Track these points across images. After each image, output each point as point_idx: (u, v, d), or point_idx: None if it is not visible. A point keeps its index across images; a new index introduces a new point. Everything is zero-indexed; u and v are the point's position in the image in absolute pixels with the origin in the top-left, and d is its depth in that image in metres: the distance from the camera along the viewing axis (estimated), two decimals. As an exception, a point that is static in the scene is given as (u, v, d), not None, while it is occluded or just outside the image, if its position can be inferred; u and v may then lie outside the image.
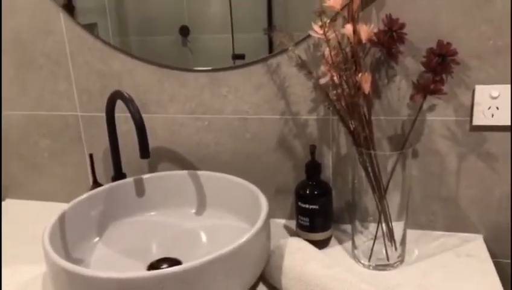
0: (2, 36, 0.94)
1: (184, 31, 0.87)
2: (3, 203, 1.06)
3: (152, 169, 0.95)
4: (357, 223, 0.77)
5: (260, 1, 0.82)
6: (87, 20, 0.90)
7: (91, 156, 0.90)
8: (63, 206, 0.74)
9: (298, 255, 0.67)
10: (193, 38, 0.88)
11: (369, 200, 0.75)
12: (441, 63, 0.70)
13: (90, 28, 0.90)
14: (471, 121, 0.76)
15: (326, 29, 0.68)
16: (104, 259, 0.75)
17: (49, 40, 0.92)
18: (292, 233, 0.86)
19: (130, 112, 0.74)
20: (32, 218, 0.98)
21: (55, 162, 1.01)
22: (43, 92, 0.96)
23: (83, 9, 0.90)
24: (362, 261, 0.76)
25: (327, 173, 0.85)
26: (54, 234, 0.69)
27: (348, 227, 0.86)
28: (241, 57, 0.86)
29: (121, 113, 0.90)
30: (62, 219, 0.72)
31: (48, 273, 0.65)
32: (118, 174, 0.88)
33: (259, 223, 0.65)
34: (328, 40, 0.69)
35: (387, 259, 0.74)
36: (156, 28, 0.89)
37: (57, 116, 0.97)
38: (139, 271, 0.68)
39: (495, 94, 0.73)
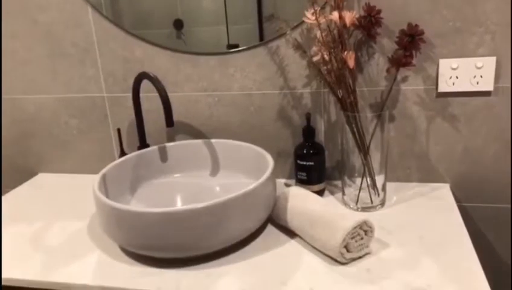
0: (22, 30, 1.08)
1: (178, 24, 0.99)
2: (36, 176, 1.21)
3: (170, 140, 1.10)
4: (346, 178, 0.94)
5: None
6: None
7: (119, 130, 1.05)
8: (91, 177, 0.87)
9: (299, 197, 0.83)
10: (187, 31, 0.98)
11: (355, 158, 0.91)
12: (410, 42, 0.86)
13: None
14: (436, 88, 0.93)
15: (318, 16, 0.84)
16: (139, 211, 0.90)
17: (78, 31, 1.06)
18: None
19: (157, 88, 0.89)
20: (65, 188, 1.13)
21: (83, 139, 1.16)
22: (72, 76, 1.11)
23: None
24: (351, 205, 0.92)
25: (320, 137, 1.02)
26: (100, 188, 0.84)
27: (338, 183, 1.03)
28: (235, 46, 0.99)
29: (142, 94, 1.05)
30: (104, 178, 0.87)
31: (99, 218, 0.80)
32: (143, 143, 1.04)
33: (269, 169, 0.81)
34: (319, 25, 0.85)
35: (371, 202, 0.91)
36: (150, 22, 0.98)
37: (85, 97, 1.12)
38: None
39: (455, 66, 0.90)
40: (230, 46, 0.99)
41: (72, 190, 1.10)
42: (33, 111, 1.16)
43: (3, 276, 0.77)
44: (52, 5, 1.05)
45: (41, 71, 1.12)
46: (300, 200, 0.82)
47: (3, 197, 1.09)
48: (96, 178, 0.84)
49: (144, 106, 1.08)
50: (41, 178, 1.19)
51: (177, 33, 0.99)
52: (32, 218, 0.97)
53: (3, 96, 1.16)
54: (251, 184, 0.77)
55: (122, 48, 1.05)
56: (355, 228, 0.73)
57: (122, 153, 1.06)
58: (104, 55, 1.07)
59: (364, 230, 0.75)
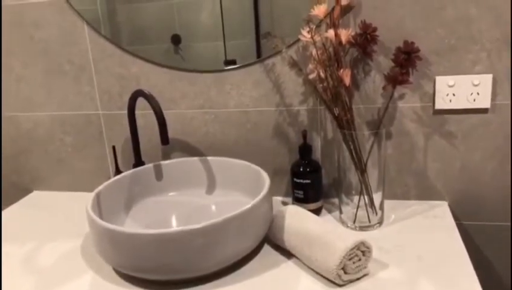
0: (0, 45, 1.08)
1: (176, 40, 0.99)
2: (31, 194, 1.20)
3: (166, 158, 1.09)
4: (343, 196, 0.92)
5: (247, 10, 0.93)
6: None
7: (114, 147, 1.05)
8: (86, 195, 0.87)
9: (296, 216, 0.82)
10: (184, 46, 0.98)
11: (352, 176, 0.90)
12: (406, 59, 0.86)
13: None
14: (433, 106, 0.93)
15: (313, 34, 0.84)
16: (133, 230, 0.89)
17: (74, 48, 1.06)
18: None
19: (152, 106, 0.89)
20: (60, 206, 1.11)
21: (78, 156, 1.15)
22: (68, 94, 1.10)
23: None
24: (348, 224, 0.91)
25: (317, 155, 1.01)
26: (94, 208, 0.82)
27: (335, 200, 1.02)
28: (233, 62, 0.99)
29: (137, 111, 1.04)
30: (98, 197, 0.86)
31: (92, 239, 0.78)
32: (139, 161, 1.03)
33: (265, 189, 0.80)
34: (314, 43, 0.84)
35: (369, 221, 0.90)
36: (148, 37, 0.98)
37: (80, 115, 1.11)
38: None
39: (451, 83, 0.90)
40: (228, 62, 0.99)
41: (66, 208, 1.09)
42: (28, 128, 1.15)
43: (-7, 299, 0.76)
44: (49, 22, 1.05)
45: (36, 88, 1.11)
46: (297, 220, 0.81)
47: (-4, 216, 1.08)
48: (89, 198, 0.83)
49: (140, 123, 1.07)
50: (36, 196, 1.18)
51: (175, 48, 0.99)
52: (25, 238, 0.96)
53: (-2, 113, 1.16)
54: (248, 203, 0.76)
55: (118, 65, 1.05)
56: (352, 249, 0.72)
57: (117, 171, 1.05)
58: (100, 72, 1.06)
59: (362, 251, 0.74)
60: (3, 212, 1.10)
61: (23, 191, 1.21)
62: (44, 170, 1.18)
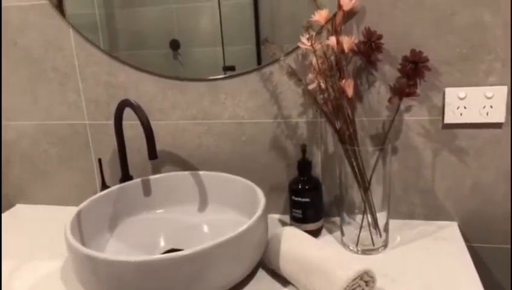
0: (1, 48, 1.02)
1: (174, 45, 0.93)
2: (13, 208, 1.13)
3: (156, 172, 1.03)
4: (345, 215, 0.86)
5: (247, 15, 0.88)
6: (79, 36, 0.96)
7: (100, 160, 0.98)
8: (72, 210, 0.81)
9: (293, 240, 0.75)
10: (183, 52, 0.93)
11: (355, 194, 0.83)
12: (414, 69, 0.80)
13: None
14: (443, 119, 0.86)
15: (313, 41, 0.77)
16: (117, 252, 0.82)
17: (59, 54, 1.00)
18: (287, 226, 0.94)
19: (139, 118, 0.82)
20: (43, 221, 1.05)
21: (64, 169, 1.08)
22: (53, 103, 1.04)
23: (75, 26, 0.96)
24: (350, 247, 0.84)
25: (317, 170, 0.94)
26: (73, 229, 0.76)
27: (337, 219, 0.95)
28: (232, 68, 0.93)
29: (126, 121, 0.97)
30: (79, 216, 0.80)
31: (71, 262, 0.72)
32: (126, 176, 0.96)
33: (259, 211, 0.73)
34: (314, 51, 0.78)
35: (373, 244, 0.83)
36: (146, 42, 0.94)
37: (66, 125, 1.05)
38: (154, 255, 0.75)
39: (462, 95, 0.83)
40: (226, 68, 0.93)
41: (49, 224, 1.02)
42: (11, 138, 1.09)
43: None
44: (32, 27, 0.99)
45: (20, 96, 1.05)
46: (295, 244, 0.74)
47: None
48: (69, 219, 0.76)
49: (128, 134, 1.00)
50: (19, 210, 1.11)
51: (174, 54, 0.94)
52: (4, 256, 0.89)
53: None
54: (242, 222, 0.70)
55: (105, 73, 0.98)
56: (355, 279, 0.65)
57: (104, 186, 0.98)
58: (86, 80, 1.00)
59: (365, 281, 0.67)
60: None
61: (5, 205, 1.14)
62: (28, 182, 1.12)
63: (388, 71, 0.86)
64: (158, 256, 0.65)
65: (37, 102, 1.04)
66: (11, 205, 1.14)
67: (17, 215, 1.09)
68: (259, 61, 0.91)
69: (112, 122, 1.01)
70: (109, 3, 0.94)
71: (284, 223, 0.95)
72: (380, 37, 0.81)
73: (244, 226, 0.69)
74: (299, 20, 0.85)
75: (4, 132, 1.09)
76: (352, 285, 0.65)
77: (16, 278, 0.81)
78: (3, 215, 1.09)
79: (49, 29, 0.98)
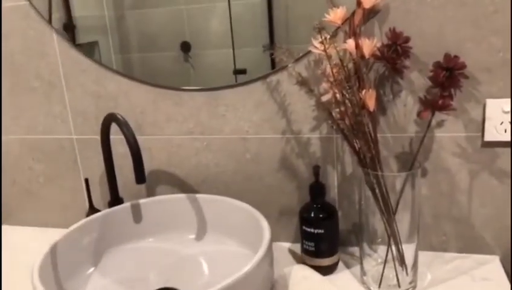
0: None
1: (185, 47, 0.85)
2: (-2, 230, 1.03)
3: (150, 192, 0.91)
4: (365, 246, 0.73)
5: (261, 16, 0.80)
6: (88, 38, 0.88)
7: (87, 180, 0.87)
8: (58, 232, 0.71)
9: (303, 285, 0.63)
10: (194, 54, 0.85)
11: (377, 222, 0.71)
12: (448, 77, 0.67)
13: (91, 47, 0.88)
14: (482, 136, 0.73)
15: (327, 45, 0.65)
16: (100, 291, 0.71)
17: (43, 62, 0.89)
18: (297, 258, 0.81)
19: (125, 136, 0.71)
20: (28, 245, 0.95)
21: (51, 187, 0.98)
22: (37, 115, 0.93)
23: (83, 28, 0.88)
24: (372, 288, 0.72)
25: (332, 194, 0.82)
26: (46, 267, 0.65)
27: (355, 250, 0.82)
28: (243, 72, 0.83)
29: (117, 136, 0.86)
30: (54, 250, 0.69)
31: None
32: (115, 199, 0.85)
33: (261, 251, 0.61)
34: (329, 57, 0.65)
35: (399, 285, 0.70)
36: (157, 44, 0.87)
37: (51, 139, 0.94)
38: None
39: (507, 108, 0.70)
40: (237, 71, 0.83)
41: (32, 250, 0.92)
42: (-6, 154, 0.99)
43: None
44: (14, 30, 0.89)
45: (2, 107, 0.95)
46: (305, 290, 0.62)
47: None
48: (39, 257, 0.65)
49: (118, 150, 0.89)
50: (3, 232, 1.01)
51: (185, 56, 0.86)
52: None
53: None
54: (243, 255, 0.58)
55: (93, 82, 0.88)
56: None
57: (92, 209, 0.87)
58: (72, 90, 0.89)
59: None
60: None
61: (-10, 226, 1.05)
62: (13, 202, 1.01)
63: (416, 79, 0.72)
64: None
65: (20, 114, 0.94)
66: (-4, 226, 1.04)
67: (2, 238, 0.99)
68: (273, 65, 0.81)
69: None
70: (119, 5, 0.87)
71: (294, 255, 0.83)
72: (407, 39, 0.68)
73: (244, 270, 0.58)
74: (316, 20, 0.74)
75: (-13, 146, 0.99)
76: None
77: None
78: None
79: (31, 33, 0.88)
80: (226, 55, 0.84)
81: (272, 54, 0.78)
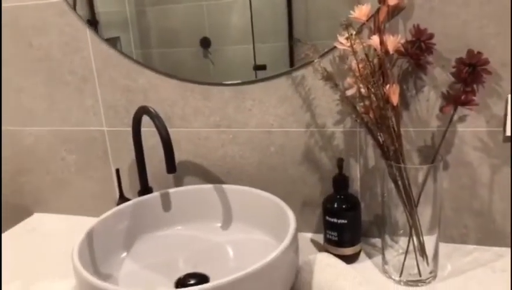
0: None
1: (205, 43, 0.87)
2: (31, 217, 1.08)
3: (178, 182, 0.95)
4: (387, 238, 0.75)
5: (281, 11, 0.81)
6: (110, 34, 0.91)
7: (117, 171, 0.91)
8: (89, 220, 0.74)
9: (328, 271, 0.66)
10: (214, 50, 0.87)
11: (399, 214, 0.73)
12: (471, 73, 0.68)
13: (113, 42, 0.91)
14: (504, 131, 0.74)
15: (353, 41, 0.67)
16: (132, 274, 0.75)
17: (77, 57, 0.93)
18: (320, 247, 0.84)
19: (157, 127, 0.74)
20: (60, 232, 0.99)
21: (82, 177, 1.02)
22: (70, 108, 0.97)
23: (106, 24, 0.91)
24: (393, 277, 0.74)
25: (355, 186, 0.84)
26: (83, 250, 0.69)
27: (376, 241, 0.84)
28: (263, 67, 0.85)
29: (147, 128, 0.90)
30: (90, 235, 0.73)
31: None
32: (145, 188, 0.88)
33: (288, 239, 0.64)
34: (355, 52, 0.68)
35: (420, 275, 0.72)
36: (177, 40, 0.89)
37: (83, 131, 0.98)
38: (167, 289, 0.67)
39: (529, 104, 0.71)
40: (257, 67, 0.85)
41: (66, 236, 0.97)
42: (28, 144, 1.03)
43: None
44: (50, 26, 0.93)
45: (37, 100, 0.99)
46: (329, 276, 0.65)
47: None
48: (77, 241, 0.69)
49: (148, 142, 0.93)
50: (36, 219, 1.06)
51: (204, 52, 0.88)
52: (13, 273, 0.83)
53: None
54: (268, 243, 0.61)
55: (124, 77, 0.91)
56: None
57: (122, 198, 0.91)
58: (104, 84, 0.93)
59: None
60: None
61: (23, 213, 1.09)
62: (46, 190, 1.06)
63: (439, 75, 0.74)
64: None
65: (54, 107, 0.98)
66: (29, 213, 1.09)
67: (34, 225, 1.03)
68: (291, 60, 0.83)
69: (131, 129, 0.94)
70: (140, 1, 0.89)
71: (316, 245, 0.86)
72: (431, 36, 0.70)
73: (271, 256, 0.60)
74: (335, 16, 0.76)
75: (21, 137, 1.03)
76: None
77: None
78: (18, 226, 1.04)
79: (66, 29, 0.92)
80: (246, 51, 0.85)
81: (291, 47, 0.80)
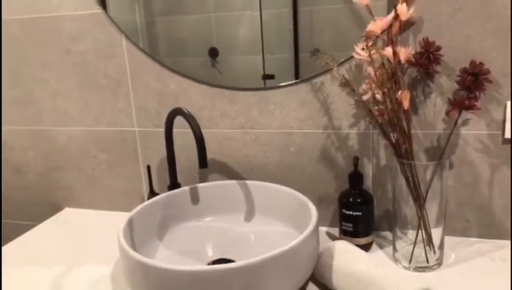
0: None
1: (213, 53, 0.94)
2: (62, 211, 1.15)
3: (203, 179, 1.03)
4: (397, 230, 0.83)
5: (286, 24, 0.88)
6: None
7: (148, 167, 0.99)
8: (117, 215, 0.81)
9: (347, 255, 0.73)
10: (221, 60, 0.94)
11: (408, 209, 0.81)
12: (474, 82, 0.77)
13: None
14: (503, 134, 0.82)
15: (371, 51, 0.76)
16: (166, 259, 0.83)
17: (111, 62, 1.01)
18: (335, 239, 0.92)
19: (191, 126, 0.82)
20: (90, 226, 1.07)
21: (112, 174, 1.10)
22: (103, 109, 1.06)
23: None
24: (403, 264, 0.82)
25: (367, 183, 0.92)
26: (125, 235, 0.76)
27: (387, 234, 0.92)
28: (271, 77, 0.93)
29: (175, 129, 0.98)
30: (130, 223, 0.80)
31: (124, 269, 0.72)
32: (174, 183, 0.96)
33: (312, 225, 0.72)
34: (372, 61, 0.76)
35: (427, 261, 0.80)
36: (185, 50, 0.95)
37: (115, 131, 1.06)
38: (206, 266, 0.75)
39: (525, 109, 0.80)
40: (266, 76, 0.93)
41: (97, 229, 1.04)
42: (62, 143, 1.11)
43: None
44: (86, 34, 1.01)
45: (71, 103, 1.08)
46: (348, 259, 0.73)
47: (26, 234, 1.04)
48: (121, 225, 0.77)
49: (177, 142, 1.01)
50: (67, 214, 1.14)
51: (212, 61, 0.95)
52: (53, 260, 0.91)
53: (33, 127, 1.12)
54: (290, 234, 0.68)
55: (156, 81, 1.00)
56: (414, 298, 0.63)
57: (152, 193, 0.99)
58: (137, 87, 1.01)
59: (424, 301, 0.64)
60: (31, 231, 1.05)
61: (54, 208, 1.17)
62: (77, 187, 1.14)
63: (445, 83, 0.83)
64: (210, 267, 0.64)
65: (88, 108, 1.07)
66: (59, 208, 1.17)
67: (65, 219, 1.11)
68: (296, 70, 0.91)
69: (160, 129, 1.02)
70: (150, 11, 0.96)
71: (332, 237, 0.93)
72: (438, 48, 0.79)
73: (299, 239, 0.68)
74: (338, 29, 0.86)
75: (54, 137, 1.11)
76: (411, 305, 0.63)
77: (67, 284, 0.83)
78: (49, 219, 1.11)
79: (102, 37, 1.00)
80: (253, 61, 0.92)
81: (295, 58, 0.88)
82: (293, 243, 0.68)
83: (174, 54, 0.97)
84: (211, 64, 0.95)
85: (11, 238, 1.03)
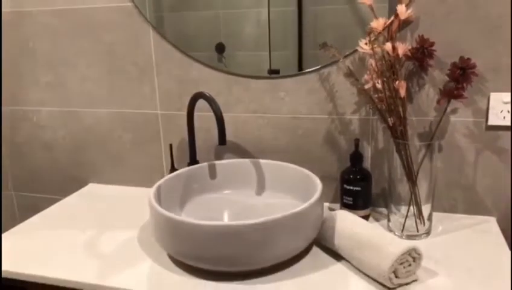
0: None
1: (220, 48, 1.03)
2: (86, 186, 1.26)
3: (218, 159, 1.14)
4: (392, 206, 0.94)
5: (291, 22, 0.98)
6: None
7: (171, 146, 1.10)
8: (138, 190, 0.90)
9: (347, 220, 0.85)
10: (228, 55, 1.03)
11: (402, 187, 0.92)
12: (462, 75, 0.88)
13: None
14: (486, 121, 0.94)
15: (373, 46, 0.87)
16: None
17: (138, 51, 1.12)
18: (336, 213, 1.03)
19: (212, 108, 0.94)
20: (114, 198, 1.17)
21: (135, 153, 1.21)
22: (129, 93, 1.17)
23: None
24: (396, 233, 0.93)
25: (366, 164, 1.03)
26: (155, 199, 0.87)
27: (383, 210, 1.03)
28: (277, 72, 1.03)
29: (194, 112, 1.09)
30: (158, 189, 0.91)
31: (152, 226, 0.83)
32: (194, 160, 1.08)
33: (317, 193, 0.83)
34: (374, 54, 0.88)
35: (417, 231, 0.91)
36: (193, 44, 1.03)
37: (140, 113, 1.17)
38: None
39: (506, 100, 0.91)
40: (272, 71, 1.03)
41: (121, 201, 1.15)
42: (89, 124, 1.22)
43: (62, 277, 0.81)
44: (117, 25, 1.12)
45: (99, 87, 1.19)
46: (348, 224, 0.84)
47: (55, 205, 1.15)
48: (152, 189, 0.88)
49: (195, 124, 1.12)
50: (91, 188, 1.25)
51: (218, 56, 1.04)
52: (84, 226, 1.02)
53: (64, 108, 1.23)
54: (297, 205, 0.79)
55: (178, 68, 1.11)
56: (404, 254, 0.74)
57: (173, 169, 1.10)
58: (161, 74, 1.13)
59: (412, 257, 0.76)
60: (60, 202, 1.16)
61: (79, 184, 1.28)
62: (101, 164, 1.25)
63: (437, 76, 0.94)
64: (233, 222, 0.75)
65: (115, 92, 1.18)
66: (84, 184, 1.28)
67: (90, 193, 1.22)
68: (300, 66, 1.00)
69: (181, 112, 1.13)
70: (159, 7, 1.05)
71: (333, 210, 1.05)
72: (432, 44, 0.90)
73: (307, 203, 0.79)
74: (340, 28, 0.95)
75: (83, 117, 1.22)
76: (401, 259, 0.74)
77: (99, 244, 0.94)
78: (76, 193, 1.22)
79: (131, 28, 1.11)
80: (259, 57, 1.00)
81: (302, 52, 1.00)
82: (302, 206, 0.79)
83: (182, 48, 1.06)
84: (217, 58, 1.04)
85: (38, 210, 1.13)
